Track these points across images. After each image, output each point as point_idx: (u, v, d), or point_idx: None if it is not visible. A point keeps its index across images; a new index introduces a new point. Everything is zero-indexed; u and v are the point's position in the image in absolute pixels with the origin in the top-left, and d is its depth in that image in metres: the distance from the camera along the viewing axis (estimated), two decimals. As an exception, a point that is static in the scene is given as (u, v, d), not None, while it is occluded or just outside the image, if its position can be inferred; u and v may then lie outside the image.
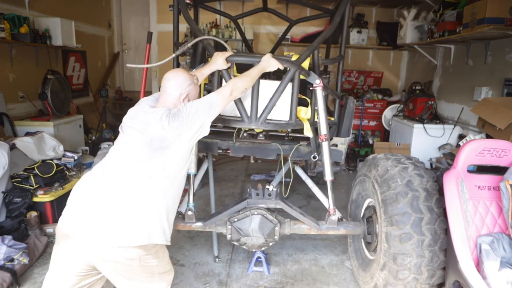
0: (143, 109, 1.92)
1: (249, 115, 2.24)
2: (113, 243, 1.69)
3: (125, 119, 1.95)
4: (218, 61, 2.30)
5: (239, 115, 2.36)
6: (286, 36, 4.80)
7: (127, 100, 7.38)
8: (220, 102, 1.91)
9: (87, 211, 1.75)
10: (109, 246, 1.70)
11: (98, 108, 6.45)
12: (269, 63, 2.20)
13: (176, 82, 1.93)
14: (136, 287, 1.83)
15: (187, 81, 1.96)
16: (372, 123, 6.59)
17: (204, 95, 2.78)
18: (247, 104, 2.28)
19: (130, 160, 1.81)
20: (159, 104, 1.95)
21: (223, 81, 2.33)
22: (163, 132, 1.77)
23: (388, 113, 6.29)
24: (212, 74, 2.41)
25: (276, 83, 2.27)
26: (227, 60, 2.30)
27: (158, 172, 1.80)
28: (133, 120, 1.90)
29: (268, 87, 2.29)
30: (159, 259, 1.84)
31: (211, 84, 2.44)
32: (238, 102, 2.25)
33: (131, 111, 1.97)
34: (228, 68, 2.32)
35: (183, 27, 5.87)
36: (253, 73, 2.13)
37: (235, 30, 6.43)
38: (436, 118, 5.27)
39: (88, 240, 1.70)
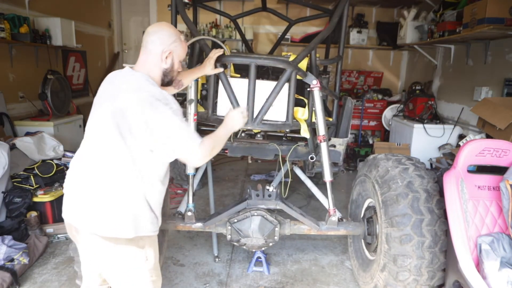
0: (121, 72, 1.72)
1: None
2: (95, 231, 1.61)
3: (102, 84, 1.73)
4: (207, 68, 2.20)
5: None
6: (286, 36, 4.80)
7: (127, 100, 7.36)
8: (196, 155, 1.66)
9: (74, 197, 1.69)
10: (91, 234, 1.62)
11: (98, 108, 6.45)
12: (234, 124, 1.98)
13: (159, 36, 1.70)
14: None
15: (172, 37, 1.72)
16: (372, 123, 6.59)
17: (202, 95, 2.80)
18: (243, 104, 2.27)
19: (98, 141, 1.64)
20: (138, 64, 1.73)
21: (219, 81, 2.31)
22: (130, 110, 1.55)
23: (388, 113, 6.29)
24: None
25: (273, 83, 2.27)
26: (222, 61, 2.25)
27: (125, 161, 1.61)
28: (107, 85, 1.70)
29: (265, 87, 2.29)
30: (149, 259, 1.73)
31: (208, 84, 2.44)
32: (234, 102, 2.25)
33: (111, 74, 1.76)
34: (225, 69, 2.31)
35: (183, 27, 5.87)
36: (223, 136, 1.89)
37: (235, 30, 6.42)
38: (436, 118, 5.27)
39: (79, 227, 1.66)
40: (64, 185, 1.76)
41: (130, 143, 1.59)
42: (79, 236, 1.70)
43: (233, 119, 1.98)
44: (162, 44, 1.70)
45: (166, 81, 1.80)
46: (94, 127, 1.67)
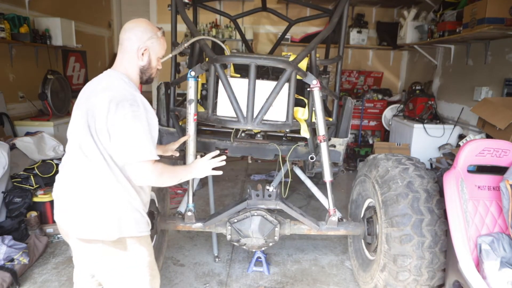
0: (101, 74, 1.72)
1: (245, 115, 2.24)
2: (79, 235, 1.62)
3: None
4: (202, 169, 1.95)
5: (235, 116, 2.35)
6: (286, 36, 4.79)
7: (127, 100, 7.37)
8: (145, 169, 1.59)
9: (61, 201, 1.69)
10: (78, 237, 1.63)
11: (98, 108, 6.45)
12: (198, 172, 1.93)
13: (134, 33, 1.67)
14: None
15: (148, 33, 1.68)
16: (372, 123, 6.59)
17: (202, 95, 2.80)
18: (243, 104, 2.27)
19: (75, 144, 1.63)
20: (116, 64, 1.72)
21: (219, 81, 2.31)
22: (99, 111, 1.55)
23: (388, 113, 6.29)
24: (209, 74, 2.39)
25: (273, 83, 2.26)
26: (222, 61, 2.23)
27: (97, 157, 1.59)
28: (85, 88, 1.69)
29: (265, 87, 2.28)
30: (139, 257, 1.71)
31: (208, 84, 2.43)
32: (234, 102, 2.24)
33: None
34: (225, 69, 2.31)
35: (183, 27, 5.86)
36: (181, 175, 1.83)
37: (235, 30, 6.42)
38: (436, 118, 5.27)
39: (68, 231, 1.67)
40: (53, 189, 1.75)
41: (100, 145, 1.58)
42: (70, 239, 1.71)
43: (198, 167, 1.92)
44: (137, 40, 1.67)
45: (145, 79, 1.78)
46: (72, 130, 1.67)
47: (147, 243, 1.76)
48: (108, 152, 1.59)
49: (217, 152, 2.02)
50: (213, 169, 1.95)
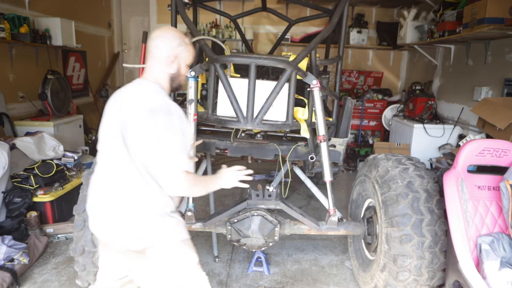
0: (131, 83, 1.71)
1: (245, 115, 2.24)
2: (130, 246, 1.63)
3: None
4: (230, 180, 1.90)
5: (235, 116, 2.35)
6: (286, 36, 4.79)
7: (127, 100, 7.37)
8: (178, 178, 1.57)
9: (97, 214, 1.70)
10: (120, 249, 1.65)
11: (98, 108, 6.45)
12: (226, 183, 1.89)
13: (162, 40, 1.66)
14: None
15: (176, 40, 1.67)
16: (372, 123, 6.59)
17: (202, 95, 2.80)
18: (243, 104, 2.27)
19: (108, 155, 1.65)
20: (146, 72, 1.71)
21: (219, 81, 2.31)
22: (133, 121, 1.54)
23: (388, 113, 6.29)
24: (209, 74, 2.39)
25: (273, 83, 2.26)
26: (222, 61, 2.23)
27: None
28: (115, 98, 1.69)
29: (265, 87, 2.29)
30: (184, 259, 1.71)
31: (208, 84, 2.44)
32: (234, 102, 2.24)
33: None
34: (225, 69, 2.30)
35: (183, 27, 5.87)
36: (210, 186, 1.83)
37: (235, 30, 6.42)
38: (436, 118, 5.27)
39: (110, 242, 1.68)
40: (89, 202, 1.74)
41: (134, 155, 1.57)
42: (110, 250, 1.71)
43: (226, 177, 1.88)
44: (166, 48, 1.66)
45: (175, 87, 1.77)
46: (104, 140, 1.67)
47: (191, 244, 1.77)
48: (141, 162, 1.58)
49: (244, 167, 2.00)
50: (240, 181, 1.93)
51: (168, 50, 1.66)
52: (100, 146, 1.69)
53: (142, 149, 1.55)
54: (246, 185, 1.95)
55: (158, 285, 1.69)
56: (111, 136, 1.61)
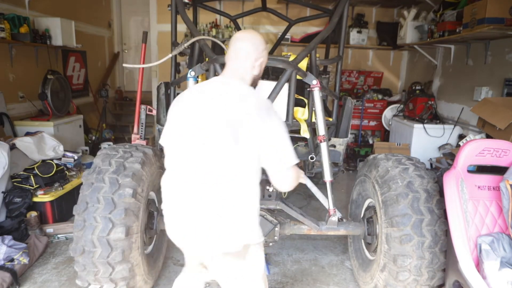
0: (215, 83, 1.65)
1: None
2: (227, 249, 1.57)
3: (179, 111, 1.63)
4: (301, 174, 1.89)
5: None
6: (286, 36, 4.79)
7: (127, 100, 7.37)
8: (288, 172, 1.59)
9: (188, 222, 1.60)
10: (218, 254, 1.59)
11: (98, 108, 6.45)
12: (301, 178, 1.90)
13: (253, 43, 1.67)
14: None
15: (263, 44, 1.71)
16: (372, 123, 6.60)
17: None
18: None
19: (210, 157, 1.55)
20: (228, 72, 1.69)
21: None
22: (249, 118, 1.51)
23: (388, 113, 6.29)
24: (209, 74, 2.38)
25: (273, 83, 2.27)
26: (222, 61, 2.21)
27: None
28: (199, 101, 1.60)
29: (265, 87, 2.29)
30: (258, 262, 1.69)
31: None
32: None
33: (185, 98, 1.64)
34: None
35: (184, 27, 5.87)
36: (298, 180, 1.79)
37: (235, 30, 6.41)
38: (436, 118, 5.27)
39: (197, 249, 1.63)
40: (170, 211, 1.67)
41: (247, 153, 1.54)
42: (204, 257, 1.69)
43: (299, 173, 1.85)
44: (255, 51, 1.68)
45: (253, 87, 1.78)
46: (192, 140, 1.58)
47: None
48: (255, 160, 1.56)
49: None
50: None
51: (256, 53, 1.69)
52: (181, 148, 1.61)
53: (262, 148, 1.53)
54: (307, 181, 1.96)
55: (250, 284, 1.67)
56: (216, 137, 1.53)
